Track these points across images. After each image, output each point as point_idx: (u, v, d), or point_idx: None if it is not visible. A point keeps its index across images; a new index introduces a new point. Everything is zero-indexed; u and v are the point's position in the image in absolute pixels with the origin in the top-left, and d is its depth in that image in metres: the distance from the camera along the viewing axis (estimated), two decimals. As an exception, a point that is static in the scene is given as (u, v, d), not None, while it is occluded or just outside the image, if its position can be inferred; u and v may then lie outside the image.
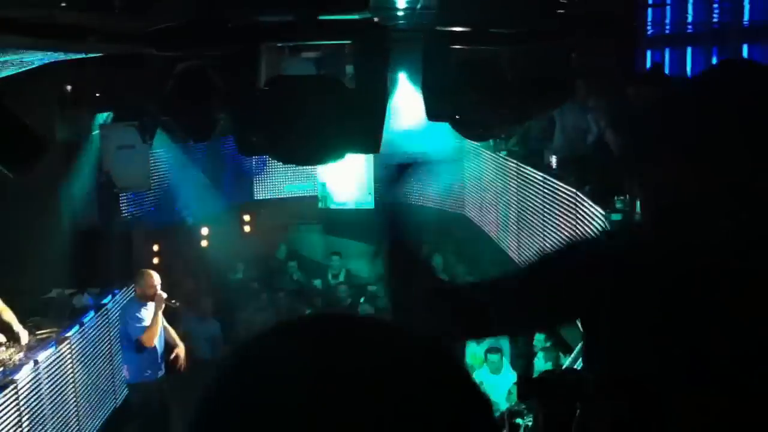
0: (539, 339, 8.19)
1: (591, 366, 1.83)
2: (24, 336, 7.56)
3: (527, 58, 3.65)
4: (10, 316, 7.55)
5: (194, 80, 4.69)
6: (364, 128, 3.15)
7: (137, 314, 8.33)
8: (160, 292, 8.40)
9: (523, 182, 9.46)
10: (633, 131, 1.97)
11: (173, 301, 8.55)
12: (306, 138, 3.20)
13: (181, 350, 8.85)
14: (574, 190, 7.76)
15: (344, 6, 3.05)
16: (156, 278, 8.48)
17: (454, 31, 3.59)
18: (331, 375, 0.75)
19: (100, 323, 8.98)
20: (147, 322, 8.25)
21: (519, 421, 6.70)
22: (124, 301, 9.15)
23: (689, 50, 12.54)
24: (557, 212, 8.21)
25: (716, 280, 1.59)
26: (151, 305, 8.33)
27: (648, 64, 11.86)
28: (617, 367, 1.68)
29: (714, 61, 11.89)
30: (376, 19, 3.22)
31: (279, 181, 13.91)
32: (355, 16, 3.08)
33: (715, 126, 1.62)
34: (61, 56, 7.62)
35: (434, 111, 3.72)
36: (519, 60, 3.80)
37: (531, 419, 6.44)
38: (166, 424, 8.67)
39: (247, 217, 14.00)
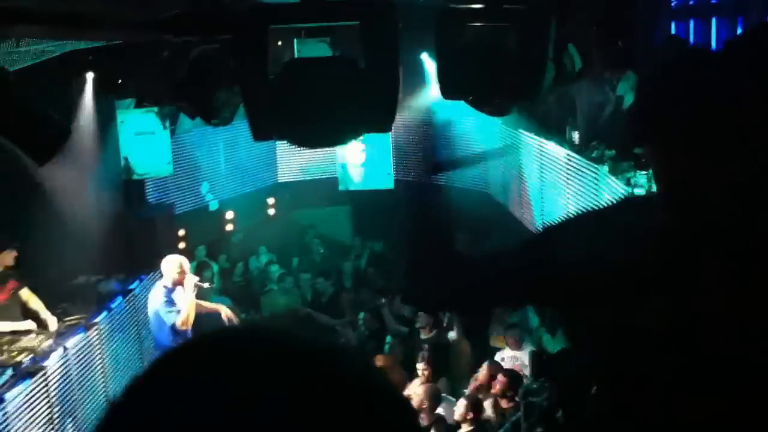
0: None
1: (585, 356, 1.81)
2: (53, 323, 7.68)
3: (540, 33, 3.63)
4: (37, 304, 7.68)
5: (208, 65, 4.69)
6: (376, 107, 3.15)
7: (169, 300, 8.37)
8: (189, 275, 8.49)
9: (545, 159, 9.40)
10: (646, 104, 1.93)
11: (205, 284, 8.62)
12: (319, 120, 3.20)
13: (226, 312, 8.88)
14: (596, 166, 7.70)
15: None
16: (184, 263, 8.56)
17: (467, 7, 3.58)
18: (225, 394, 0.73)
19: (128, 309, 9.07)
20: (180, 307, 8.30)
21: (534, 399, 6.68)
22: (152, 287, 9.23)
23: (714, 21, 12.36)
24: (580, 189, 8.15)
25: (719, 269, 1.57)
26: (180, 289, 8.38)
27: (673, 34, 11.71)
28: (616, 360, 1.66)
29: (739, 31, 11.71)
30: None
31: (301, 164, 13.93)
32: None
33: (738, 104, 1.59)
34: (78, 45, 7.70)
35: (449, 89, 3.73)
36: (532, 35, 3.76)
37: (545, 398, 6.44)
38: None
39: (270, 200, 14.05)
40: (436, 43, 3.64)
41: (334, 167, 12.70)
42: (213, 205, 12.51)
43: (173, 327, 8.33)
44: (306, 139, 3.50)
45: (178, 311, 8.29)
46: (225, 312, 8.86)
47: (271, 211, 14.09)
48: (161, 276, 8.66)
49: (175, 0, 4.53)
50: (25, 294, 7.76)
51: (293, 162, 13.93)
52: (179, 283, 8.39)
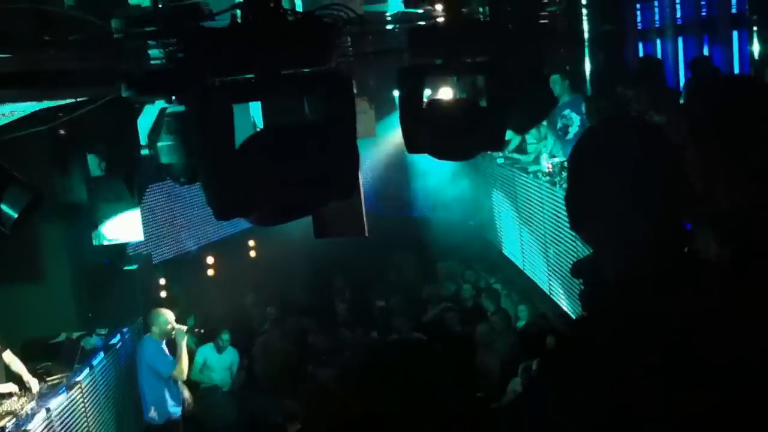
0: None
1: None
2: (35, 385, 7.57)
3: (503, 81, 3.65)
4: (19, 367, 7.57)
5: (182, 123, 4.68)
6: (341, 175, 3.17)
7: (161, 351, 8.71)
8: (178, 326, 8.80)
9: (522, 189, 9.44)
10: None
11: (197, 329, 8.73)
12: (285, 197, 3.21)
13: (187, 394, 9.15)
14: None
15: (306, 61, 3.05)
16: (170, 315, 8.85)
17: (428, 63, 3.60)
18: None
19: (110, 364, 8.97)
20: (176, 358, 8.64)
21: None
22: (134, 340, 9.18)
23: (680, 40, 12.53)
24: (558, 218, 8.17)
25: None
26: (169, 341, 8.71)
27: (639, 56, 11.86)
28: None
29: (706, 49, 11.88)
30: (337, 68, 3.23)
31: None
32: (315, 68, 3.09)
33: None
34: (49, 103, 7.67)
35: (412, 145, 3.74)
36: (497, 78, 3.78)
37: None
38: None
39: (251, 243, 14.01)
40: (399, 100, 3.66)
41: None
42: (193, 252, 12.46)
43: (170, 379, 8.68)
44: (272, 222, 3.51)
45: (174, 362, 8.60)
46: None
47: (252, 253, 14.05)
48: (151, 330, 8.86)
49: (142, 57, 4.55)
50: (8, 357, 7.65)
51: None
52: (167, 335, 8.73)
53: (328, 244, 12.97)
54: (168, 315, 8.91)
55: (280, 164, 3.17)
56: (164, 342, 8.86)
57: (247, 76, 3.23)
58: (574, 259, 7.61)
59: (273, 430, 8.74)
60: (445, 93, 4.16)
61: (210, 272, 12.84)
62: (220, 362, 10.91)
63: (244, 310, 12.89)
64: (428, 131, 3.49)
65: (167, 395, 8.85)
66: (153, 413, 8.89)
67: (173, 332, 8.80)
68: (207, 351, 10.91)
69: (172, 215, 12.04)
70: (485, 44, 3.84)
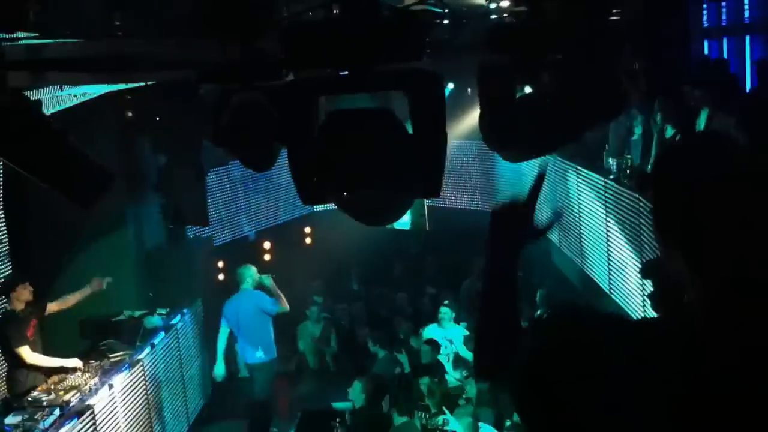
0: None
1: None
2: (77, 363, 7.68)
3: (574, 73, 3.63)
4: (50, 361, 7.57)
5: (250, 112, 4.74)
6: (426, 174, 3.18)
7: (262, 296, 9.48)
8: (262, 275, 9.60)
9: (583, 186, 9.35)
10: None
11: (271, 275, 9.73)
12: (371, 195, 3.22)
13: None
14: (636, 195, 7.64)
15: (400, 56, 3.07)
16: (254, 269, 9.69)
17: (506, 59, 3.59)
18: None
19: (171, 344, 9.16)
20: (276, 298, 9.45)
21: None
22: (234, 298, 9.60)
23: (747, 39, 12.25)
24: (619, 217, 8.09)
25: None
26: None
27: (705, 55, 11.63)
28: None
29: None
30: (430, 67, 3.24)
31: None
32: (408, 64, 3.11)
33: None
34: (119, 86, 7.84)
35: (492, 143, 3.73)
36: (566, 75, 3.76)
37: None
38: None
39: (307, 230, 14.13)
40: (480, 96, 3.63)
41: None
42: (251, 236, 12.60)
43: (271, 320, 9.51)
44: (359, 217, 3.52)
45: (276, 302, 9.42)
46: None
47: (308, 240, 14.17)
48: (240, 285, 9.56)
49: (215, 45, 4.60)
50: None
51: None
52: (258, 284, 9.54)
53: (387, 234, 13.10)
54: (253, 268, 9.68)
55: (360, 151, 3.19)
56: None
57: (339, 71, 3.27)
58: (637, 260, 7.54)
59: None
60: (524, 90, 4.15)
61: (267, 257, 12.98)
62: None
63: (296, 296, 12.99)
64: (507, 128, 3.48)
65: (270, 334, 9.58)
66: (260, 353, 9.47)
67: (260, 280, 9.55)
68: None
69: (231, 199, 12.19)
70: (561, 42, 3.82)
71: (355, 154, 3.17)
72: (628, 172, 8.09)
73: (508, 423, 7.95)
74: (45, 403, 6.89)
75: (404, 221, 11.97)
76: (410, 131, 3.33)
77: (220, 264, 11.55)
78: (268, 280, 9.51)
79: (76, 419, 6.80)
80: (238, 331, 9.54)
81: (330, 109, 3.56)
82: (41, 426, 6.50)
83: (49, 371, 7.51)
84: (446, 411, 7.79)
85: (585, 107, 3.67)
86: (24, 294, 7.45)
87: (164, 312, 9.32)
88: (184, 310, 9.71)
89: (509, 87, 3.67)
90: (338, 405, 8.83)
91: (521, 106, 3.68)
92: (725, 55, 11.94)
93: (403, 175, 3.20)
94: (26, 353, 7.31)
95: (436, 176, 3.27)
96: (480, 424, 7.67)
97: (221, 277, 11.50)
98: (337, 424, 8.05)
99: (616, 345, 1.61)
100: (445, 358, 9.65)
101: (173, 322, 9.35)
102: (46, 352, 7.59)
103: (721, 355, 1.56)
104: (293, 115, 3.39)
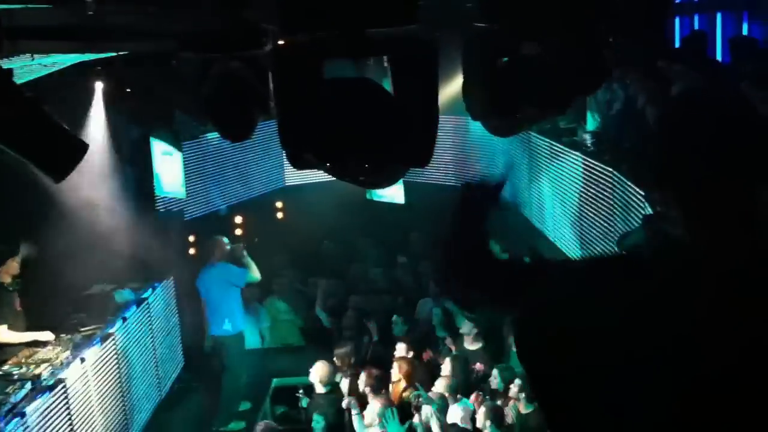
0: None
1: None
2: (49, 336, 7.61)
3: (560, 46, 3.62)
4: (22, 337, 7.48)
5: (231, 81, 4.68)
6: (418, 144, 3.15)
7: (230, 267, 9.61)
8: (233, 245, 9.90)
9: (556, 161, 9.38)
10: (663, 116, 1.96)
11: (241, 245, 10.04)
12: (362, 159, 3.20)
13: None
14: (611, 170, 7.68)
15: (393, 20, 3.02)
16: (225, 240, 9.93)
17: (493, 28, 3.57)
18: None
19: (142, 318, 9.08)
20: (246, 266, 9.66)
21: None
22: (205, 269, 9.81)
23: (719, 15, 12.31)
24: (593, 191, 8.13)
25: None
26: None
27: (677, 32, 11.67)
28: None
29: (745, 26, 11.67)
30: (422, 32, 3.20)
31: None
32: (401, 29, 3.06)
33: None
34: (91, 56, 7.68)
35: (476, 112, 3.71)
36: (553, 48, 3.74)
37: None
38: None
39: (279, 204, 14.03)
40: (464, 66, 3.61)
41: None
42: (222, 210, 12.49)
43: (239, 291, 9.64)
44: (351, 179, 3.49)
45: (245, 272, 9.59)
46: None
47: (280, 215, 14.07)
48: (209, 257, 9.82)
49: (195, 15, 4.52)
50: None
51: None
52: (228, 256, 9.71)
53: (357, 210, 13.05)
54: (224, 239, 9.90)
55: (349, 119, 3.15)
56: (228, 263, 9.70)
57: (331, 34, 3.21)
58: (609, 233, 7.59)
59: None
60: (507, 60, 4.13)
61: (238, 231, 12.89)
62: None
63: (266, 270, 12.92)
64: (493, 98, 3.47)
65: (238, 306, 9.66)
66: (227, 325, 9.51)
67: (230, 252, 9.77)
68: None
69: (203, 173, 12.05)
70: (544, 12, 3.79)
71: (347, 121, 3.14)
72: (604, 146, 8.12)
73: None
74: (16, 377, 6.80)
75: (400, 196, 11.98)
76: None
77: (191, 238, 11.44)
78: (239, 250, 9.73)
79: (48, 393, 6.74)
80: (206, 303, 9.61)
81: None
82: (12, 400, 6.42)
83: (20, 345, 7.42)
84: (419, 386, 7.81)
85: (571, 77, 3.67)
86: (12, 267, 7.45)
87: (135, 286, 9.23)
88: (156, 284, 9.62)
89: (495, 57, 3.65)
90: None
91: (507, 75, 3.66)
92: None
93: (393, 144, 3.18)
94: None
95: (427, 145, 3.25)
96: (458, 396, 7.71)
97: (192, 251, 11.39)
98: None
99: (631, 288, 1.64)
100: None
101: (145, 296, 9.26)
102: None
103: (729, 295, 1.59)
104: (287, 80, 3.34)
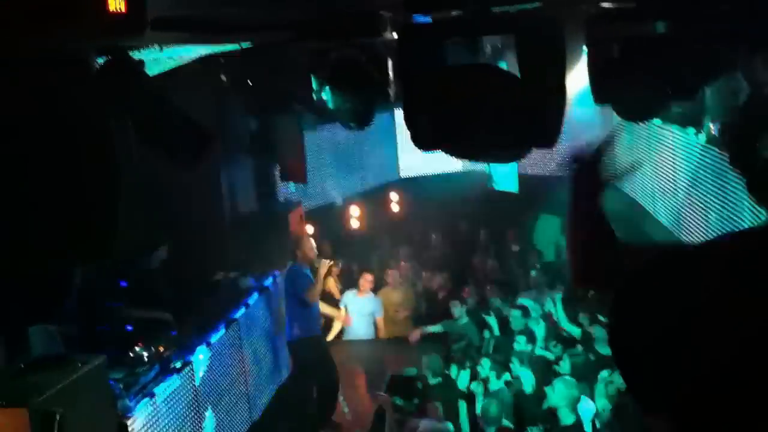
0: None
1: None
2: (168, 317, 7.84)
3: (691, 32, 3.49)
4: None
5: (349, 68, 4.74)
6: (544, 122, 3.11)
7: (303, 275, 9.37)
8: (321, 259, 9.58)
9: (679, 151, 9.08)
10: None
11: (332, 262, 9.82)
12: (487, 136, 3.19)
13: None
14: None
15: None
16: (313, 242, 9.67)
17: (618, 8, 3.48)
18: None
19: (263, 305, 9.29)
20: (313, 281, 9.32)
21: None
22: (288, 269, 9.69)
23: None
24: (722, 185, 7.83)
25: None
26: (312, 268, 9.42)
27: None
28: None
29: None
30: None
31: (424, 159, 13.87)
32: (527, 7, 3.04)
33: None
34: (215, 48, 7.90)
35: (601, 95, 3.63)
36: (684, 34, 3.62)
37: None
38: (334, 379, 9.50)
39: (394, 196, 14.12)
40: (587, 47, 3.52)
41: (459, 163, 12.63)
42: (338, 201, 12.67)
43: (303, 299, 9.28)
44: (475, 155, 3.49)
45: (310, 285, 9.29)
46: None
47: (395, 207, 14.16)
48: (295, 256, 9.56)
49: (310, 4, 4.59)
50: None
51: (415, 157, 13.89)
52: (310, 261, 9.49)
53: (473, 202, 13.01)
54: (312, 242, 9.70)
55: (476, 100, 3.14)
56: (308, 268, 9.52)
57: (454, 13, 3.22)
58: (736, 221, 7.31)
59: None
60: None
61: (354, 224, 13.06)
62: (359, 309, 11.22)
63: (383, 261, 13.04)
64: (619, 83, 3.38)
65: (304, 314, 9.43)
66: (296, 330, 9.42)
67: (315, 261, 9.51)
68: (349, 297, 11.24)
69: (319, 164, 12.24)
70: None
71: (474, 104, 3.13)
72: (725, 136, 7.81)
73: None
74: (146, 359, 7.06)
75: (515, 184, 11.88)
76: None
77: (310, 229, 11.64)
78: (319, 263, 9.49)
79: (175, 375, 6.97)
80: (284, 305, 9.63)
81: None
82: (142, 381, 6.67)
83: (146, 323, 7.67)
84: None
85: (702, 60, 3.56)
86: None
87: (257, 273, 9.45)
88: (276, 273, 9.83)
89: (619, 38, 3.57)
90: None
91: (636, 57, 3.57)
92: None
93: (521, 125, 3.15)
94: None
95: (556, 125, 3.19)
96: (582, 397, 7.63)
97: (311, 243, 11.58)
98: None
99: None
100: (534, 322, 9.58)
101: (266, 284, 9.48)
102: None
103: None
104: (413, 61, 3.36)
